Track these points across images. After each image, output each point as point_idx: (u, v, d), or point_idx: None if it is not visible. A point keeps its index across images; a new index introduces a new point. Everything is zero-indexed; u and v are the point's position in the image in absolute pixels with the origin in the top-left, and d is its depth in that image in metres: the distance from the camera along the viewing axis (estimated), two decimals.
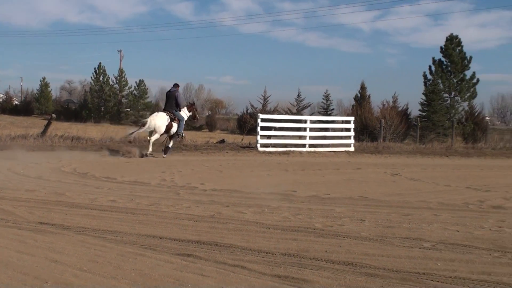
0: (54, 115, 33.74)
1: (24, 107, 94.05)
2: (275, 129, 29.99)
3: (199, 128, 68.15)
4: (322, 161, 24.79)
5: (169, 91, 25.16)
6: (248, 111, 63.26)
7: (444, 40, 52.58)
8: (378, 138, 35.57)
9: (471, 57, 52.06)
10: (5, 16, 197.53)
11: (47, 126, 29.77)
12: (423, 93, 50.12)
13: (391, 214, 10.91)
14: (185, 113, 25.10)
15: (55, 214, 10.25)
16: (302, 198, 12.83)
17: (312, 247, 7.95)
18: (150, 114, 24.92)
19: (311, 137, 30.08)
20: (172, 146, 24.85)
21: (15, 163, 18.72)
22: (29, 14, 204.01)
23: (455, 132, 38.78)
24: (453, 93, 51.84)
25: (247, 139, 31.80)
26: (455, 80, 51.56)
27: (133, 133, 24.48)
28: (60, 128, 33.38)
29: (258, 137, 28.19)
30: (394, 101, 51.69)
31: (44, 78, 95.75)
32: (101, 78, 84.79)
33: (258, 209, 11.16)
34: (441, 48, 52.46)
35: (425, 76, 51.96)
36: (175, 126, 24.13)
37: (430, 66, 52.23)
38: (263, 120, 28.79)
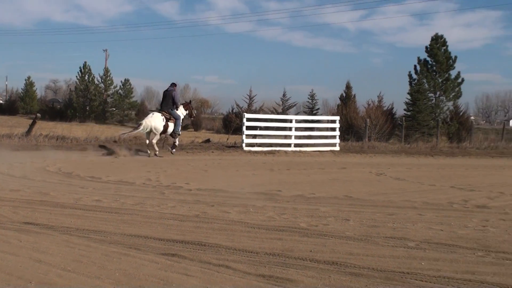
0: (39, 115, 33.61)
1: (9, 107, 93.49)
2: (261, 128, 30.03)
3: (184, 128, 67.98)
4: (307, 160, 24.82)
5: (166, 90, 25.31)
6: (234, 111, 63.19)
7: (429, 39, 52.73)
8: (363, 137, 35.62)
9: (456, 57, 52.21)
10: None
11: (32, 125, 29.68)
12: (408, 93, 50.15)
13: (376, 214, 10.94)
14: (181, 112, 25.32)
15: (40, 214, 10.23)
16: (287, 198, 12.85)
17: (297, 247, 7.96)
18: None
19: (297, 137, 30.11)
20: (177, 143, 25.29)
21: (0, 163, 18.64)
22: (14, 13, 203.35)
23: (440, 132, 38.91)
24: (438, 92, 51.92)
25: (232, 139, 31.80)
26: (440, 80, 51.65)
27: (126, 133, 24.64)
28: (45, 127, 33.27)
29: (244, 136, 28.18)
30: (380, 101, 51.80)
31: (29, 77, 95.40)
32: (86, 77, 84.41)
33: (243, 209, 11.16)
34: (426, 47, 52.55)
35: (410, 75, 52.07)
36: (171, 126, 24.34)
37: (415, 66, 52.33)
38: (248, 120, 28.77)
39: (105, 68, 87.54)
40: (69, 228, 8.98)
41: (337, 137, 30.81)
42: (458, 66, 74.87)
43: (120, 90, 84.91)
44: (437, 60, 51.43)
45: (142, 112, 79.02)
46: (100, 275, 6.47)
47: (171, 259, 7.20)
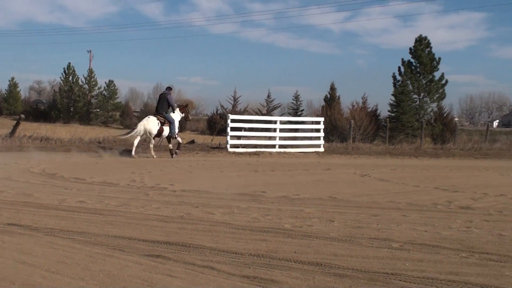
0: (22, 116, 33.49)
1: None
2: (245, 129, 30.04)
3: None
4: (291, 161, 24.85)
5: (162, 93, 25.71)
6: (218, 112, 63.24)
7: (413, 41, 52.90)
8: (347, 138, 35.69)
9: (440, 58, 52.38)
10: None
11: (15, 126, 29.54)
12: (392, 94, 50.28)
13: (360, 215, 10.95)
14: (178, 114, 25.42)
15: (23, 215, 10.18)
16: (271, 199, 12.85)
17: (281, 248, 7.97)
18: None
19: (281, 138, 30.19)
20: (179, 146, 25.37)
21: None
22: None
23: (424, 133, 39.03)
24: (422, 94, 52.07)
25: (217, 140, 31.80)
26: (424, 81, 51.78)
27: (123, 135, 24.70)
28: (29, 128, 33.20)
29: (228, 137, 28.22)
30: (364, 102, 51.90)
31: (12, 78, 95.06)
32: (70, 79, 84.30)
33: (227, 210, 11.16)
34: (410, 49, 52.70)
35: (394, 77, 52.15)
36: (166, 130, 24.47)
37: (399, 67, 52.45)
38: (233, 121, 28.78)
39: (89, 69, 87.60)
40: (53, 230, 8.94)
41: (322, 138, 30.84)
42: (442, 68, 75.04)
43: (104, 91, 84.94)
44: (421, 61, 51.59)
45: (126, 113, 79.04)
46: (84, 277, 6.45)
47: (155, 260, 7.19)
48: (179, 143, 25.17)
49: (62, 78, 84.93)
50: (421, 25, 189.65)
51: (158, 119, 24.22)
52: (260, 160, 25.36)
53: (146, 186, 14.63)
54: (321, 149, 30.23)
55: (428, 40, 52.53)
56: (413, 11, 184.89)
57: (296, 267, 6.99)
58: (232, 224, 9.72)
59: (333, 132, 39.81)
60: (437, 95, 51.97)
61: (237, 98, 62.02)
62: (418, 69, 51.90)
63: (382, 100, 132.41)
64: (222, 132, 35.26)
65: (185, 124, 29.52)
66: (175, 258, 7.26)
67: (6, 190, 13.10)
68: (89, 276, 6.46)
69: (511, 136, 46.67)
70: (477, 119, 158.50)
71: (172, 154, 24.77)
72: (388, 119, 44.42)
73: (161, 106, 24.81)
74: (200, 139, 37.30)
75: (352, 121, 37.51)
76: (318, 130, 31.39)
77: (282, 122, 31.53)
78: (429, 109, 52.51)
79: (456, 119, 72.63)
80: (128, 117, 78.41)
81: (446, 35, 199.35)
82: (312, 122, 35.11)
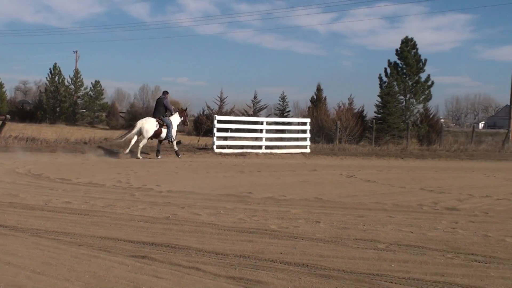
0: (8, 116, 33.35)
1: None
2: (232, 130, 29.98)
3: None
4: (278, 162, 24.88)
5: (158, 98, 25.79)
6: (205, 113, 63.13)
7: (400, 42, 53.01)
8: (334, 140, 35.71)
9: (426, 60, 52.51)
10: None
11: (1, 127, 29.36)
12: (378, 95, 50.33)
13: (346, 216, 10.98)
14: (176, 118, 25.57)
15: (9, 215, 10.15)
16: (257, 200, 12.86)
17: (267, 249, 7.97)
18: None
19: (267, 139, 30.15)
20: (177, 148, 25.66)
21: None
22: None
23: (410, 134, 39.09)
24: (408, 95, 52.19)
25: (203, 141, 31.74)
26: (410, 83, 51.91)
27: (123, 136, 24.70)
28: (15, 129, 32.97)
29: (215, 138, 28.18)
30: (350, 103, 51.95)
31: None
32: (56, 79, 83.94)
33: (213, 211, 11.16)
34: (397, 50, 52.80)
35: (380, 78, 52.23)
36: (164, 132, 24.60)
37: (385, 69, 52.54)
38: (219, 122, 28.73)
39: (75, 69, 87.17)
40: (38, 230, 8.92)
41: (308, 139, 30.83)
42: (428, 69, 75.50)
43: (90, 92, 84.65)
44: (407, 63, 51.72)
45: (112, 113, 78.89)
46: (70, 277, 6.43)
47: (141, 261, 7.18)
48: (177, 151, 25.39)
49: (48, 79, 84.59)
50: (407, 27, 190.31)
51: (157, 121, 24.36)
52: (247, 161, 25.37)
53: (132, 187, 14.61)
54: (308, 150, 30.23)
55: (414, 42, 52.71)
56: (400, 13, 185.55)
57: (282, 268, 7.00)
58: (218, 225, 9.72)
59: (320, 133, 39.82)
60: (423, 97, 52.12)
61: (224, 99, 62.08)
62: (404, 71, 52.03)
63: (368, 101, 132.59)
64: (209, 133, 35.22)
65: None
66: (161, 259, 7.25)
67: None
68: (75, 277, 6.44)
69: (496, 138, 46.81)
70: (463, 121, 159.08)
71: (177, 154, 25.21)
72: (374, 120, 44.48)
73: (158, 111, 24.90)
74: (186, 139, 37.16)
75: (339, 122, 37.52)
76: (304, 131, 31.39)
77: (268, 123, 31.51)
78: (415, 110, 52.66)
79: (442, 120, 72.86)
80: (114, 118, 78.38)
81: (432, 36, 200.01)
82: (299, 123, 35.11)
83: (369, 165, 24.67)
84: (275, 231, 9.29)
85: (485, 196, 14.56)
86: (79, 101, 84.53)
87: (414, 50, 52.38)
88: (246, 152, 28.13)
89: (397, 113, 48.93)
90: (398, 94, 51.39)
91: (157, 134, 24.35)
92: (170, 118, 25.00)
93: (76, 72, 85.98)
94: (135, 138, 24.11)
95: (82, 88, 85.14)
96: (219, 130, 28.47)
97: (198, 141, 31.45)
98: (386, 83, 51.31)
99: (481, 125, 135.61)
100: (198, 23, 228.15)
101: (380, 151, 33.14)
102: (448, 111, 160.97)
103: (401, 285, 6.49)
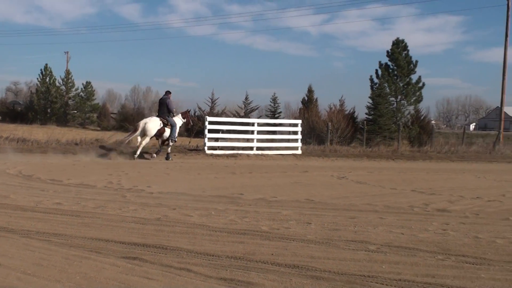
0: None
1: None
2: (223, 132, 29.95)
3: None
4: (269, 164, 24.88)
5: (161, 98, 25.68)
6: (196, 114, 63.03)
7: (391, 44, 52.97)
8: (325, 141, 35.69)
9: (417, 61, 52.39)
10: None
11: None
12: (369, 97, 50.22)
13: (337, 217, 10.99)
14: (179, 119, 25.67)
15: None
16: (249, 201, 12.86)
17: (258, 250, 7.98)
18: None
19: (259, 140, 30.09)
20: (170, 150, 25.46)
21: None
22: None
23: (401, 136, 39.06)
24: (399, 96, 52.12)
25: (194, 142, 31.66)
26: (401, 84, 51.84)
27: (129, 137, 24.73)
28: (6, 129, 33.02)
29: (206, 139, 28.14)
30: (341, 105, 51.86)
31: None
32: (47, 80, 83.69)
33: (205, 212, 11.16)
34: (388, 52, 52.72)
35: (371, 79, 52.15)
36: (167, 131, 24.61)
37: (376, 70, 52.46)
38: (210, 123, 28.69)
39: (66, 70, 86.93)
40: (29, 231, 8.91)
41: (299, 140, 30.80)
42: (419, 71, 75.76)
43: (81, 93, 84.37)
44: (398, 64, 51.68)
45: (103, 114, 78.73)
46: (61, 279, 6.43)
47: (132, 262, 7.18)
48: (168, 153, 25.27)
49: (39, 79, 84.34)
50: (398, 28, 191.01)
51: (160, 120, 24.39)
52: (238, 162, 25.36)
53: (123, 188, 14.59)
54: (299, 152, 30.22)
55: (406, 43, 52.66)
56: (391, 14, 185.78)
57: (273, 270, 7.01)
58: (210, 226, 9.72)
59: (311, 135, 39.80)
60: (414, 98, 52.09)
61: (215, 100, 61.99)
62: (395, 72, 51.98)
63: (359, 102, 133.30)
64: (200, 134, 35.15)
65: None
66: (152, 260, 7.25)
67: None
68: (66, 278, 6.44)
69: (487, 139, 46.82)
70: (454, 122, 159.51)
71: (167, 158, 25.01)
72: (365, 122, 44.52)
73: (162, 111, 24.94)
74: (177, 140, 37.17)
75: (330, 123, 37.47)
76: (295, 133, 31.37)
77: (260, 125, 31.47)
78: (406, 112, 52.60)
79: (433, 122, 73.01)
80: (105, 119, 78.15)
81: (423, 38, 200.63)
82: (290, 125, 35.13)
83: (360, 167, 24.70)
84: (266, 232, 9.30)
85: (476, 197, 14.60)
86: (70, 102, 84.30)
87: (405, 52, 52.35)
88: (237, 153, 28.10)
89: (388, 114, 48.89)
90: (389, 96, 51.34)
91: (160, 133, 24.39)
92: (173, 118, 24.98)
93: (67, 73, 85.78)
94: (139, 139, 24.13)
95: (73, 89, 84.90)
96: (210, 131, 28.44)
97: (190, 142, 31.39)
98: (377, 85, 51.24)
99: (472, 126, 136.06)
100: (189, 24, 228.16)
101: (371, 152, 33.14)
102: (439, 113, 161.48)
103: (392, 287, 6.51)
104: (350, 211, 11.84)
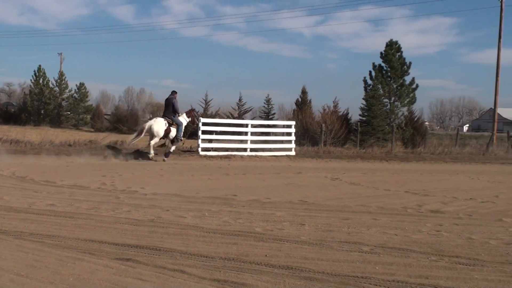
0: None
1: None
2: (217, 133, 29.95)
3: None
4: (263, 165, 24.87)
5: (167, 98, 25.71)
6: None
7: (384, 45, 52.95)
8: (319, 142, 35.70)
9: (410, 63, 52.40)
10: None
11: None
12: (363, 98, 50.13)
13: (331, 218, 10.99)
14: (184, 119, 25.79)
15: None
16: (242, 202, 12.86)
17: (252, 251, 7.98)
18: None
19: (252, 141, 30.08)
20: (173, 150, 25.72)
21: None
22: None
23: (394, 137, 39.06)
24: (393, 98, 52.09)
25: (188, 143, 31.64)
26: (395, 85, 51.81)
27: (134, 139, 24.89)
28: None
29: (199, 141, 28.13)
30: (335, 106, 51.79)
31: None
32: (41, 81, 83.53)
33: (198, 213, 11.15)
34: (381, 53, 52.68)
35: (365, 81, 52.10)
36: (173, 131, 24.81)
37: (370, 71, 52.41)
38: (204, 124, 28.68)
39: (60, 71, 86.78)
40: (22, 233, 8.89)
41: (293, 142, 30.81)
42: (413, 72, 75.55)
43: (75, 94, 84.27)
44: (391, 66, 51.66)
45: (97, 116, 78.60)
46: (54, 280, 6.42)
47: (126, 264, 7.17)
48: (169, 151, 25.48)
49: (33, 81, 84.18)
50: (392, 30, 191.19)
51: (165, 120, 24.60)
52: (232, 163, 25.34)
53: (117, 189, 14.58)
54: (292, 153, 30.23)
55: (399, 45, 52.65)
56: (384, 16, 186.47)
57: (267, 271, 7.01)
58: (203, 227, 9.71)
59: (305, 136, 39.75)
60: (407, 99, 52.07)
61: (209, 101, 61.86)
62: (389, 74, 51.96)
63: (353, 104, 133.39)
64: (194, 135, 35.13)
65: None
66: (145, 262, 7.25)
67: None
68: (59, 280, 6.43)
69: (481, 140, 46.91)
70: (448, 123, 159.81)
71: (167, 156, 25.23)
72: (359, 123, 44.56)
73: (167, 111, 25.14)
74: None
75: (323, 125, 37.46)
76: (289, 134, 31.36)
77: (253, 126, 31.51)
78: (400, 113, 52.58)
79: (426, 123, 73.00)
80: (99, 120, 78.00)
81: (417, 39, 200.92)
82: (284, 126, 35.13)
83: (354, 168, 24.70)
84: (260, 233, 9.30)
85: (469, 198, 14.61)
86: (63, 103, 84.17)
87: (399, 53, 52.32)
88: (231, 155, 28.08)
89: (382, 116, 48.86)
90: (382, 97, 51.31)
91: (166, 133, 24.57)
92: (178, 118, 25.13)
93: (61, 74, 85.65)
94: (154, 140, 24.34)
95: (67, 90, 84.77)
96: (204, 132, 28.44)
97: (183, 143, 31.41)
98: (371, 86, 51.20)
99: (465, 128, 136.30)
100: (183, 26, 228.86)
101: (365, 153, 33.16)
102: (432, 114, 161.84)
103: None
104: (344, 212, 11.85)
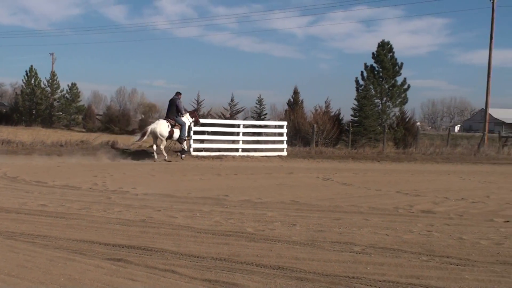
0: None
1: None
2: (208, 133, 29.92)
3: (131, 132, 67.61)
4: (254, 165, 24.87)
5: (171, 98, 25.97)
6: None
7: (376, 46, 52.96)
8: (310, 143, 35.70)
9: (402, 63, 52.38)
10: None
11: None
12: (355, 99, 50.08)
13: (322, 219, 11.01)
14: (187, 119, 26.14)
15: None
16: (234, 203, 12.86)
17: (243, 252, 7.98)
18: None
19: (244, 142, 30.06)
20: (186, 147, 26.25)
21: None
22: None
23: (386, 137, 39.11)
24: (384, 98, 52.08)
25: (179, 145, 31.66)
26: (386, 86, 51.82)
27: (137, 141, 25.11)
28: None
29: (191, 141, 28.12)
30: (327, 106, 51.73)
31: None
32: (32, 81, 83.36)
33: (190, 214, 11.16)
34: (373, 54, 52.65)
35: (357, 81, 52.07)
36: (176, 132, 25.18)
37: (362, 72, 52.38)
38: (196, 124, 28.69)
39: (51, 72, 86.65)
40: (13, 233, 8.88)
41: (285, 142, 30.79)
42: (405, 73, 75.61)
43: (67, 94, 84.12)
44: (383, 66, 51.67)
45: (89, 116, 78.45)
46: (45, 281, 6.41)
47: (117, 264, 7.17)
48: (183, 149, 25.87)
49: (24, 81, 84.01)
50: (384, 30, 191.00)
51: (168, 122, 24.87)
52: (223, 164, 25.34)
53: (108, 190, 14.57)
54: (284, 153, 30.20)
55: (391, 45, 52.65)
56: (377, 16, 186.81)
57: (258, 271, 7.02)
58: (194, 227, 9.72)
59: (296, 136, 39.70)
60: (399, 100, 52.08)
61: (201, 101, 61.64)
62: (381, 74, 51.97)
63: (345, 104, 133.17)
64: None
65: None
66: (136, 262, 7.25)
67: None
68: (50, 280, 6.43)
69: (472, 141, 47.01)
70: (439, 124, 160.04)
71: (182, 153, 25.93)
72: (350, 124, 44.52)
73: (171, 111, 25.44)
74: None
75: (315, 125, 37.46)
76: (281, 134, 31.34)
77: (245, 126, 31.49)
78: (392, 114, 52.56)
79: (418, 123, 73.07)
80: (90, 121, 77.85)
81: (409, 40, 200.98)
82: (275, 126, 35.12)
83: (346, 168, 24.73)
84: (251, 234, 9.31)
85: (461, 199, 14.65)
86: (55, 103, 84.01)
87: (391, 54, 52.34)
88: (222, 155, 28.06)
89: (374, 116, 48.86)
90: (374, 98, 51.30)
91: (170, 135, 24.92)
92: (181, 118, 25.36)
93: (53, 74, 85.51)
94: (159, 141, 24.74)
95: (59, 91, 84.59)
96: (196, 133, 28.41)
97: (175, 144, 31.38)
98: (363, 87, 51.19)
99: (456, 128, 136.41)
100: (175, 26, 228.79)
101: (357, 154, 33.16)
102: (424, 115, 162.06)
103: None
104: (335, 212, 11.87)
